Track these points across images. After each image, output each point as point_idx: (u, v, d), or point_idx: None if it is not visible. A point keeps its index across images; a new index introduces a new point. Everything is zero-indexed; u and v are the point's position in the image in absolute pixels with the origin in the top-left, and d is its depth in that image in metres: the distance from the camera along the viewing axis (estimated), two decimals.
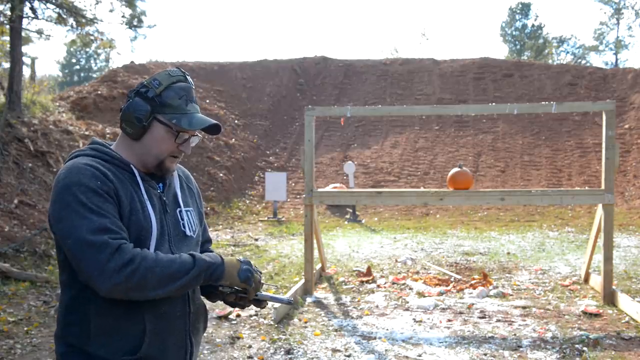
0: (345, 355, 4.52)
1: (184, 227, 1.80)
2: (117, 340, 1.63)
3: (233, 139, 16.75)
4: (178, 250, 1.73)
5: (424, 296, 6.31)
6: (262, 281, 1.79)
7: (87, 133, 12.59)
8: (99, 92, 15.59)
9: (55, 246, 1.74)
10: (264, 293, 1.80)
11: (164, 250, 1.69)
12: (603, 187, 5.94)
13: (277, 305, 1.81)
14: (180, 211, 1.81)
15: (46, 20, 12.28)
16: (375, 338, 4.93)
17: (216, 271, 1.65)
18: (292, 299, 1.89)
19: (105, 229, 1.53)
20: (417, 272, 7.53)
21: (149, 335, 1.66)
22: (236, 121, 17.83)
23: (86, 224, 1.52)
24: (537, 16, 51.35)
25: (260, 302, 1.81)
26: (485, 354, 4.50)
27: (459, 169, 6.39)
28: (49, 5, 12.11)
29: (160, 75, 1.73)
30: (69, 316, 1.65)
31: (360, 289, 6.69)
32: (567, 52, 45.40)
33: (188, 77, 1.76)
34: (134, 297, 1.55)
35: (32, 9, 11.90)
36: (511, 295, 6.32)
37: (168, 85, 1.71)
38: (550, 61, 38.96)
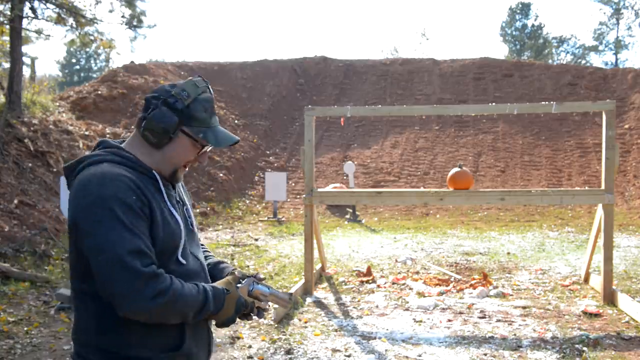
0: (345, 355, 4.51)
1: (192, 224, 1.83)
2: (160, 339, 1.64)
3: None
4: (190, 247, 1.76)
5: (424, 296, 6.31)
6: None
7: (87, 133, 12.59)
8: (99, 92, 15.59)
9: (71, 253, 1.67)
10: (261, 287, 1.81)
11: (186, 251, 1.73)
12: (603, 187, 5.93)
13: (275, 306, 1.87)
14: (187, 209, 1.83)
15: (46, 20, 12.29)
16: (375, 338, 4.93)
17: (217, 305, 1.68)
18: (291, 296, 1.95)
19: (139, 251, 1.52)
20: (417, 272, 7.53)
21: (188, 328, 1.69)
22: (236, 121, 17.82)
23: (122, 244, 1.50)
24: (537, 16, 51.35)
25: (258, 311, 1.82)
26: (485, 354, 4.50)
27: (459, 169, 6.39)
28: (48, 5, 12.11)
29: (187, 85, 1.72)
30: (104, 324, 1.61)
31: (360, 289, 6.69)
32: (567, 52, 45.44)
33: (210, 88, 1.76)
34: (146, 321, 1.56)
35: (32, 8, 11.91)
36: (511, 295, 6.32)
37: (195, 97, 1.70)
38: (550, 61, 38.97)
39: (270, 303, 1.84)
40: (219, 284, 1.73)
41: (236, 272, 1.84)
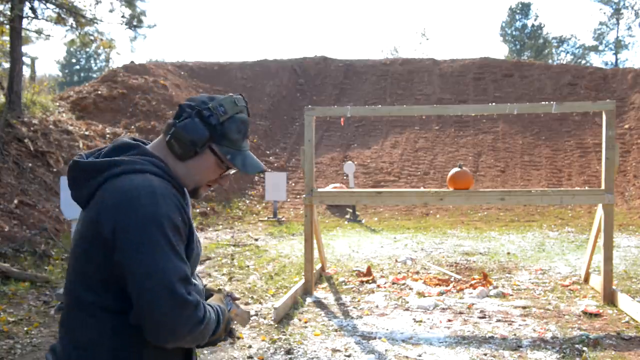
0: (345, 355, 4.51)
1: None
2: (169, 358, 1.61)
3: None
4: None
5: (424, 296, 6.31)
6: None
7: (87, 133, 12.59)
8: (99, 92, 15.60)
9: (86, 259, 1.51)
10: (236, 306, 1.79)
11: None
12: (603, 187, 5.93)
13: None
14: None
15: (46, 20, 12.30)
16: (375, 338, 4.93)
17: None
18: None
19: (186, 278, 1.45)
20: (417, 272, 7.53)
21: (193, 348, 1.68)
22: None
23: (172, 270, 1.42)
24: (537, 16, 51.35)
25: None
26: (485, 354, 4.50)
27: (459, 169, 6.39)
28: (48, 5, 12.12)
29: (225, 101, 1.62)
30: (120, 342, 1.52)
31: (360, 289, 6.69)
32: (567, 52, 45.47)
33: (248, 109, 1.69)
34: (176, 347, 1.51)
35: (32, 8, 11.93)
36: (511, 295, 6.32)
37: (232, 115, 1.61)
38: (550, 61, 38.97)
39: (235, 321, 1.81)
40: (216, 302, 1.69)
41: (223, 291, 1.81)
